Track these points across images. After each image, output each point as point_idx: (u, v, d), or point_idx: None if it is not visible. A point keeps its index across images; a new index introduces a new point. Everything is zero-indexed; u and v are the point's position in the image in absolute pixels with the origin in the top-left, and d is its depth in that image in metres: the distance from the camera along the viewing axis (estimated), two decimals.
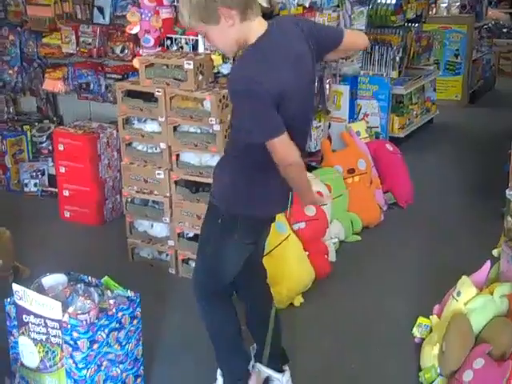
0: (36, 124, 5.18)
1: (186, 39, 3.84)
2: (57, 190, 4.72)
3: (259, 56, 2.21)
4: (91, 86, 4.88)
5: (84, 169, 4.45)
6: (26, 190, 5.03)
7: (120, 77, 4.69)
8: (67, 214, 4.57)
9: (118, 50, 4.69)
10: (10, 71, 5.16)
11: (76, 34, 4.76)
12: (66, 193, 4.53)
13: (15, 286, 2.55)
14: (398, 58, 5.92)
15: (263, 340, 2.70)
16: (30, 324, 2.54)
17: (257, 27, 2.25)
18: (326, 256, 3.93)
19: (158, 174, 3.74)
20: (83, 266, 3.13)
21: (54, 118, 5.26)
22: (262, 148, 2.25)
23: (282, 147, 2.22)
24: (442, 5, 7.72)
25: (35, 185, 5.00)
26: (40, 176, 5.01)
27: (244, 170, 2.38)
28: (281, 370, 2.79)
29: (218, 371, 2.74)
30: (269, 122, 2.21)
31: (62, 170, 4.50)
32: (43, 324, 2.50)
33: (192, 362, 3.07)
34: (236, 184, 2.41)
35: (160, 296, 3.57)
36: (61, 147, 4.46)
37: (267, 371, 2.78)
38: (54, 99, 5.32)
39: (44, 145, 5.08)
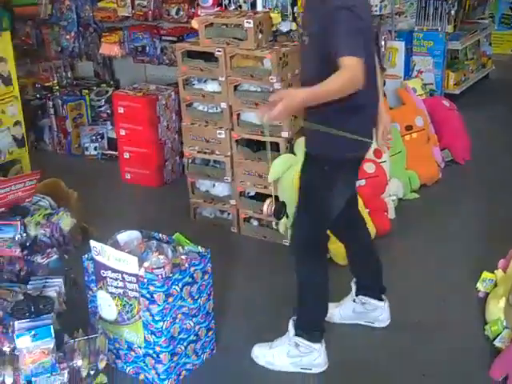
0: (94, 88, 5.27)
1: None
2: (116, 153, 4.83)
3: None
4: (147, 48, 4.94)
5: (143, 131, 4.53)
6: (86, 153, 5.16)
7: (175, 39, 4.73)
8: (128, 176, 4.68)
9: (173, 12, 4.73)
10: (68, 36, 5.25)
11: None
12: (127, 155, 4.63)
13: (93, 243, 2.65)
14: (453, 12, 5.78)
15: (367, 273, 3.02)
16: (107, 278, 2.65)
17: None
18: (385, 213, 3.94)
19: (219, 133, 3.79)
20: (148, 226, 3.19)
21: (111, 82, 5.35)
22: None
23: (358, 66, 2.30)
24: None
25: (95, 148, 5.12)
26: (100, 139, 5.12)
27: (339, 113, 2.45)
28: (382, 299, 3.02)
29: (291, 322, 2.82)
30: (359, 41, 2.34)
31: (122, 132, 4.59)
32: (120, 278, 2.61)
33: (259, 315, 3.16)
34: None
35: (224, 254, 3.64)
36: (120, 110, 4.54)
37: (371, 301, 3.01)
38: (111, 63, 5.40)
39: (103, 109, 5.18)
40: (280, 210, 2.47)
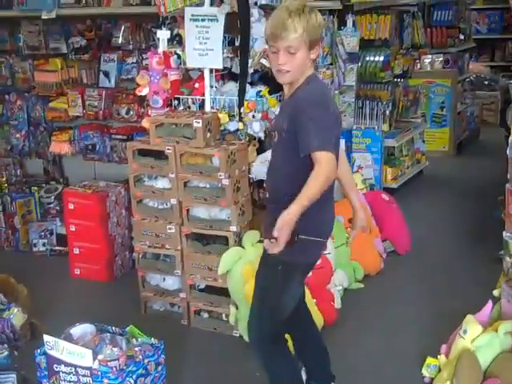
0: (43, 185, 5.34)
1: (192, 99, 4.05)
2: (65, 248, 4.86)
3: (325, 86, 2.74)
4: (97, 147, 5.08)
5: (94, 227, 4.59)
6: (34, 249, 5.15)
7: (125, 137, 4.90)
8: (77, 272, 4.69)
9: (123, 112, 4.91)
10: (18, 135, 5.35)
11: (82, 98, 5.00)
12: (77, 251, 4.66)
13: (46, 337, 2.67)
14: (387, 112, 6.19)
15: (316, 362, 3.06)
16: (60, 373, 2.66)
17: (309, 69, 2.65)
18: (332, 303, 4.06)
19: (170, 228, 3.89)
20: (98, 321, 3.20)
21: (60, 180, 5.44)
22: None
23: (333, 162, 2.48)
24: (425, 60, 8.07)
25: (43, 244, 5.13)
26: (48, 236, 5.14)
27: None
28: None
29: None
30: (331, 137, 2.52)
31: (73, 228, 4.64)
32: (74, 372, 2.62)
33: None
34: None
35: (174, 347, 3.66)
36: (71, 206, 4.61)
37: None
38: (60, 161, 5.51)
39: (52, 205, 5.24)
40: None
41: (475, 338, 3.08)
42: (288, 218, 2.39)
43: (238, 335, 3.80)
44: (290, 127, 2.57)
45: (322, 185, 2.45)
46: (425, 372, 3.32)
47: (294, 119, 2.53)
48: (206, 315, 3.94)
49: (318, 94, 2.60)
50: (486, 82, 9.77)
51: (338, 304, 4.13)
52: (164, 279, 4.06)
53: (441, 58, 8.11)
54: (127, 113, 4.90)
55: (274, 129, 2.80)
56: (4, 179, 5.42)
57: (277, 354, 2.81)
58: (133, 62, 4.96)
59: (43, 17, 4.75)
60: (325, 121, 2.51)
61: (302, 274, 2.80)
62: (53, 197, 5.25)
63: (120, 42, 4.88)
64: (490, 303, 3.32)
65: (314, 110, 2.50)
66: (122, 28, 4.87)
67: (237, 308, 3.75)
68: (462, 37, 8.56)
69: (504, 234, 3.28)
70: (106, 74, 4.97)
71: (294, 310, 2.86)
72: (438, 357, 3.32)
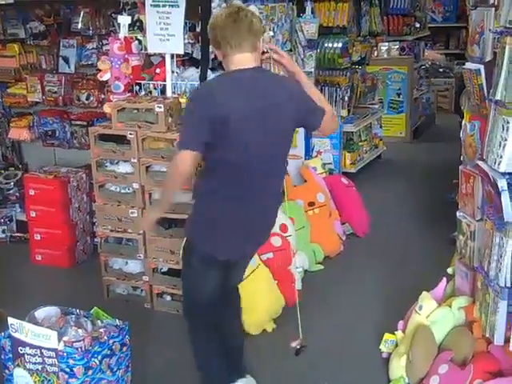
0: (2, 171, 5.29)
1: (154, 84, 4.07)
2: (25, 235, 4.85)
3: (216, 83, 2.71)
4: (57, 133, 5.04)
5: (55, 212, 4.59)
6: None
7: (85, 123, 4.88)
8: (39, 258, 4.68)
9: (83, 98, 4.89)
10: None
11: (41, 83, 4.95)
12: (38, 237, 4.65)
13: (11, 320, 2.69)
14: (346, 98, 6.30)
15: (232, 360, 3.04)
16: (25, 355, 2.68)
17: (236, 62, 2.62)
18: (293, 284, 4.14)
19: (132, 212, 3.92)
20: (61, 306, 3.24)
21: (20, 166, 5.39)
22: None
23: (180, 159, 2.56)
24: (382, 47, 8.20)
25: (3, 231, 5.10)
26: (8, 222, 5.11)
27: (201, 209, 2.77)
28: (234, 382, 3.04)
29: None
30: (190, 136, 2.57)
31: (33, 214, 4.63)
32: (39, 354, 2.65)
33: None
34: (196, 220, 2.84)
35: (138, 329, 3.69)
36: (31, 192, 4.60)
37: None
38: (19, 147, 5.45)
39: (11, 191, 5.19)
40: None
41: (430, 313, 3.20)
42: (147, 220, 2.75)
43: None
44: None
45: (166, 182, 2.73)
46: (382, 347, 3.44)
47: None
48: (168, 298, 3.99)
49: (196, 92, 2.83)
50: (441, 70, 9.97)
51: (298, 285, 4.22)
52: (127, 263, 4.09)
53: (397, 46, 8.24)
54: (87, 98, 4.88)
55: None
56: None
57: (195, 332, 2.91)
58: (93, 48, 4.94)
59: (0, 2, 4.68)
60: (189, 119, 2.63)
61: (199, 256, 2.77)
62: (12, 183, 5.21)
63: (79, 27, 4.85)
64: (444, 280, 3.45)
65: (186, 108, 2.74)
66: (81, 13, 4.84)
67: None
68: (417, 25, 8.72)
69: (457, 213, 3.39)
70: (66, 60, 4.94)
71: (217, 300, 2.85)
72: (395, 332, 3.43)
